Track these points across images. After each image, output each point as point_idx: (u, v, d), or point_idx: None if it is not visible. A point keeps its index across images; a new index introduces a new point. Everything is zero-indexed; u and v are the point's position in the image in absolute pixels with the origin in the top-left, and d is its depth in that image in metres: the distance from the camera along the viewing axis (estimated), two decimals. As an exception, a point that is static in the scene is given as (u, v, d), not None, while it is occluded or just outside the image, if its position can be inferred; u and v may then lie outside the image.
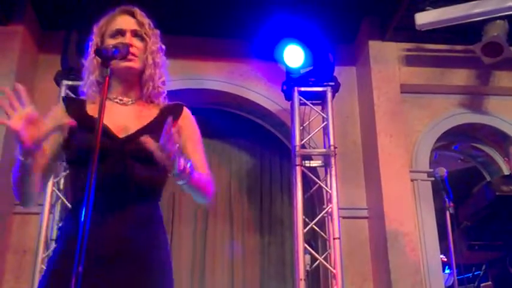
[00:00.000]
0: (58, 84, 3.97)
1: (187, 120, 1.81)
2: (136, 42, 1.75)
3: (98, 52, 1.55)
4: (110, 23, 1.78)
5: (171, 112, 1.75)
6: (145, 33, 1.77)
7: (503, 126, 4.76)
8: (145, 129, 1.66)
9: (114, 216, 1.56)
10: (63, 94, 3.89)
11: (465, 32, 4.56)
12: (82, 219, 1.30)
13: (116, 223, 1.55)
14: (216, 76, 4.90)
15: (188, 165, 1.57)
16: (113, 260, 1.52)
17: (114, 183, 1.57)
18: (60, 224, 3.57)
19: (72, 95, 3.88)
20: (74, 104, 1.77)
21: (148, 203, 1.65)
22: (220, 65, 4.94)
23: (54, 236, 3.74)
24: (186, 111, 1.82)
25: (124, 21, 1.77)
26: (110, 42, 1.72)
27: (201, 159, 1.78)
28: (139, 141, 1.58)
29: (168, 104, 1.82)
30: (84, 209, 1.31)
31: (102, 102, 1.44)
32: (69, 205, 3.42)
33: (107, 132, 1.60)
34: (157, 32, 1.84)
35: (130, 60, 1.70)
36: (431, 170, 4.37)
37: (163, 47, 1.84)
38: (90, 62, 1.78)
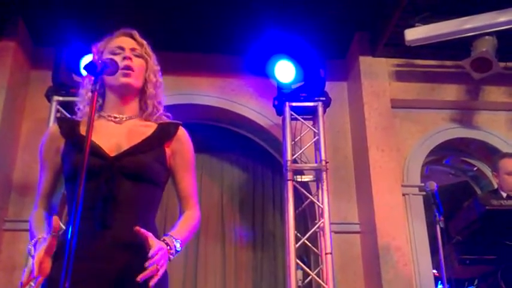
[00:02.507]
0: (49, 100, 3.96)
1: (181, 141, 1.79)
2: (135, 59, 1.76)
3: (87, 67, 1.55)
4: (109, 42, 1.81)
5: (166, 132, 1.76)
6: (145, 53, 1.80)
7: (493, 140, 4.80)
8: (137, 148, 1.66)
9: (105, 234, 1.54)
10: (54, 110, 3.89)
11: (454, 48, 4.61)
12: (68, 237, 1.30)
13: (106, 242, 1.53)
14: (207, 91, 4.91)
15: (178, 245, 1.59)
16: (102, 278, 1.50)
17: (105, 202, 1.55)
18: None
19: (65, 112, 3.89)
20: (67, 125, 1.77)
21: (142, 221, 1.59)
22: (211, 81, 4.96)
23: (43, 253, 3.70)
24: (181, 132, 1.80)
25: (123, 41, 1.80)
26: None
27: (189, 188, 1.77)
28: (129, 158, 1.60)
29: (165, 122, 1.81)
30: (70, 228, 1.31)
31: (90, 116, 1.44)
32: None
33: (98, 151, 1.60)
34: (154, 56, 1.87)
35: (128, 75, 1.72)
36: (423, 184, 4.38)
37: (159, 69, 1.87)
38: (85, 80, 1.80)
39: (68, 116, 3.84)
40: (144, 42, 1.83)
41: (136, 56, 1.78)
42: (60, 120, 1.83)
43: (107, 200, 1.56)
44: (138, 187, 1.62)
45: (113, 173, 1.59)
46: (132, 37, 1.82)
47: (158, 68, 1.85)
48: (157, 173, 1.68)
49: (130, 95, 1.77)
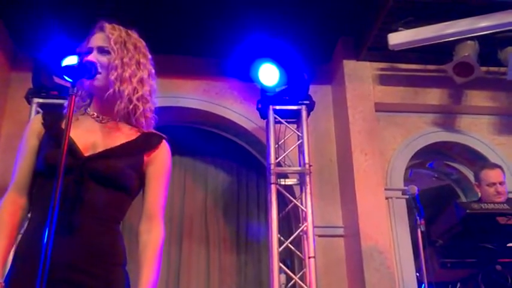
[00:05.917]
0: (29, 102, 3.91)
1: (161, 154, 1.72)
2: (102, 58, 1.67)
3: (65, 70, 1.50)
4: (87, 41, 1.74)
5: (148, 142, 1.70)
6: (111, 48, 1.68)
7: (475, 144, 4.84)
8: (113, 151, 1.61)
9: (66, 240, 1.45)
10: (34, 112, 3.84)
11: (437, 52, 4.65)
12: (43, 239, 1.26)
13: (67, 247, 1.45)
14: (192, 94, 4.89)
15: None
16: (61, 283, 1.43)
17: (69, 204, 1.48)
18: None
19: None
20: (51, 117, 1.71)
21: (106, 228, 1.55)
22: (196, 83, 4.94)
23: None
24: (164, 146, 1.73)
25: (94, 39, 1.72)
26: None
27: (157, 201, 1.69)
28: (102, 161, 1.55)
29: (149, 132, 1.73)
30: (46, 230, 1.28)
31: (68, 121, 1.42)
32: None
33: (71, 149, 1.53)
34: (141, 44, 1.78)
35: (94, 78, 1.64)
36: (406, 188, 4.40)
37: (149, 56, 1.78)
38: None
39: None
40: (115, 33, 1.71)
41: (103, 54, 1.68)
42: (44, 112, 1.77)
43: (73, 202, 1.49)
44: (106, 191, 1.56)
45: (82, 174, 1.53)
46: (103, 30, 1.72)
47: (128, 59, 1.70)
48: (129, 180, 1.61)
49: (105, 96, 1.68)
